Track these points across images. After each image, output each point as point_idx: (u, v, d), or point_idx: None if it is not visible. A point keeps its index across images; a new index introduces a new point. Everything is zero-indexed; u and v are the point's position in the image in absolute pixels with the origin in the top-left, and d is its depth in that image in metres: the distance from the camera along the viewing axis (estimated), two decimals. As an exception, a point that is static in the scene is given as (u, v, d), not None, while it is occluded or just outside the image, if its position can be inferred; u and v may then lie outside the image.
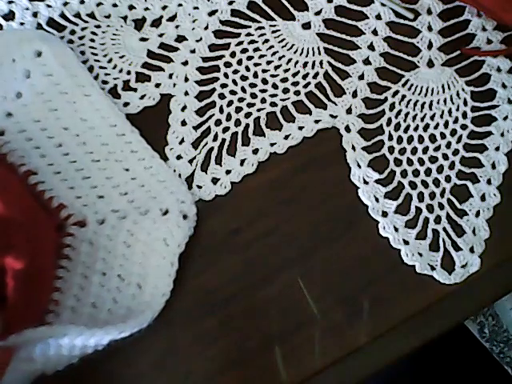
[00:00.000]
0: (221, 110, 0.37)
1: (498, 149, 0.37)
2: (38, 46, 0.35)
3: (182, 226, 0.33)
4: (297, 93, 0.37)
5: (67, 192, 0.33)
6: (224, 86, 0.37)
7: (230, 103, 0.37)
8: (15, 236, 0.28)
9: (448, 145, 0.37)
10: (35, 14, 0.38)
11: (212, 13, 0.39)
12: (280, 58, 0.38)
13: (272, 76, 0.38)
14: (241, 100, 0.37)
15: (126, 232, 0.33)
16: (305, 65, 0.38)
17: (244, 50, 0.38)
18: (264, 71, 0.38)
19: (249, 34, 0.38)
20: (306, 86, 0.37)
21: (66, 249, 0.31)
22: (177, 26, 0.38)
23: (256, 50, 0.38)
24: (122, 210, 0.33)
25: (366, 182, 0.36)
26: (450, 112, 0.38)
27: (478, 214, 0.35)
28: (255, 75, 0.38)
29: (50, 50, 0.35)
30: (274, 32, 0.39)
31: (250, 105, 0.37)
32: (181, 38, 0.38)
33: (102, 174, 0.34)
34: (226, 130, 0.36)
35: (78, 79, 0.35)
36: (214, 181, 0.35)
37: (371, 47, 0.39)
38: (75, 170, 0.34)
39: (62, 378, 0.30)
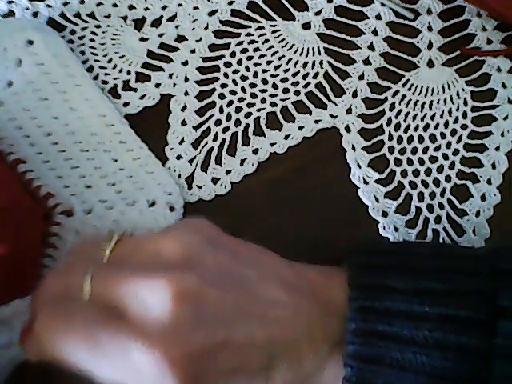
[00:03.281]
0: (221, 110, 0.37)
1: (498, 149, 0.37)
2: (30, 35, 0.35)
3: (168, 218, 0.33)
4: (297, 93, 0.37)
5: (55, 181, 0.33)
6: (224, 85, 0.37)
7: (230, 103, 0.37)
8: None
9: (448, 145, 0.37)
10: (35, 14, 0.38)
11: (212, 13, 0.39)
12: (280, 58, 0.38)
13: (272, 76, 0.38)
14: (241, 100, 0.37)
15: (112, 222, 0.33)
16: (305, 65, 0.38)
17: (244, 50, 0.38)
18: (264, 71, 0.38)
19: (249, 34, 0.38)
20: (306, 86, 0.37)
21: (52, 237, 0.31)
22: (177, 26, 0.38)
23: (256, 49, 0.38)
24: (109, 200, 0.33)
25: (366, 182, 0.36)
26: (450, 112, 0.38)
27: (478, 213, 0.35)
28: (255, 75, 0.38)
29: (42, 40, 0.35)
30: (274, 32, 0.39)
31: (250, 105, 0.37)
32: (181, 38, 0.38)
33: (91, 164, 0.34)
34: (226, 130, 0.36)
35: (70, 69, 0.35)
36: (214, 181, 0.35)
37: (371, 47, 0.39)
38: (64, 159, 0.34)
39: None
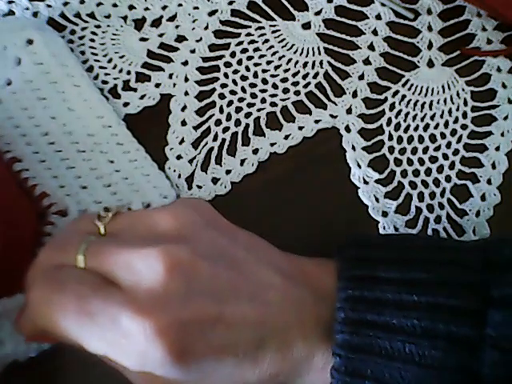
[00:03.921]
0: (221, 110, 0.37)
1: (498, 149, 0.37)
2: (30, 34, 0.35)
3: None
4: (297, 93, 0.37)
5: (51, 181, 0.33)
6: (224, 85, 0.37)
7: (230, 103, 0.37)
8: None
9: (448, 145, 0.37)
10: (35, 14, 0.38)
11: (212, 13, 0.39)
12: (280, 58, 0.38)
13: (272, 76, 0.38)
14: (241, 100, 0.37)
15: None
16: (305, 65, 0.38)
17: (244, 50, 0.38)
18: (264, 71, 0.38)
19: (249, 34, 0.38)
20: (305, 86, 0.37)
21: (46, 237, 0.31)
22: (177, 26, 0.38)
23: (256, 49, 0.38)
24: (104, 201, 0.33)
25: (366, 182, 0.36)
26: (450, 112, 0.38)
27: (478, 213, 0.35)
28: (255, 75, 0.38)
29: (42, 39, 0.35)
30: (274, 32, 0.39)
31: (250, 105, 0.37)
32: (181, 38, 0.38)
33: (87, 165, 0.34)
34: (226, 130, 0.36)
35: (68, 69, 0.35)
36: (214, 181, 0.35)
37: (371, 47, 0.39)
38: (60, 159, 0.34)
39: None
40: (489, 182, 0.36)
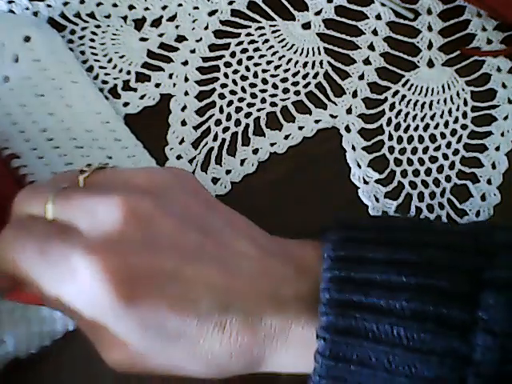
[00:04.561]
0: (221, 110, 0.37)
1: (498, 149, 0.37)
2: (28, 31, 0.35)
3: None
4: (297, 93, 0.37)
5: (49, 177, 0.33)
6: (224, 85, 0.37)
7: (230, 103, 0.37)
8: None
9: (448, 145, 0.37)
10: (35, 14, 0.38)
11: (212, 13, 0.39)
12: (280, 58, 0.38)
13: (272, 76, 0.38)
14: (241, 100, 0.37)
15: None
16: (305, 65, 0.38)
17: (244, 50, 0.38)
18: (264, 71, 0.38)
19: (249, 34, 0.38)
20: (305, 86, 0.37)
21: None
22: (177, 26, 0.38)
23: (256, 49, 0.38)
24: None
25: (366, 182, 0.36)
26: (450, 112, 0.38)
27: (478, 213, 0.35)
28: (255, 75, 0.38)
29: (39, 36, 0.35)
30: (274, 32, 0.39)
31: (250, 105, 0.37)
32: (181, 38, 0.38)
33: (85, 161, 0.34)
34: (226, 130, 0.36)
35: (66, 66, 0.35)
36: (214, 181, 0.35)
37: (371, 47, 0.39)
38: (58, 155, 0.34)
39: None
40: (489, 182, 0.36)
